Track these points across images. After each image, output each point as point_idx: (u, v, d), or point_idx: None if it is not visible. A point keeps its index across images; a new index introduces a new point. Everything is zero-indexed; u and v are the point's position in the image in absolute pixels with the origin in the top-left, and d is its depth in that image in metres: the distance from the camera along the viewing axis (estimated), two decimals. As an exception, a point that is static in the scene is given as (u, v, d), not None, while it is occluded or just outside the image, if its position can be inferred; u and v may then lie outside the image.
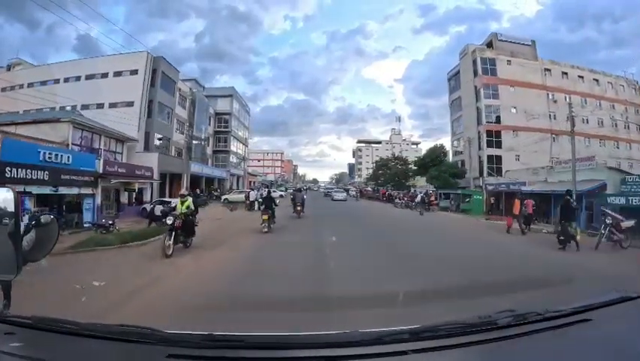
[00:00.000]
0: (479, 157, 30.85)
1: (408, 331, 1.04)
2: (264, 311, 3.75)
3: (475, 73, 33.48)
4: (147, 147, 25.32)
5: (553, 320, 1.15)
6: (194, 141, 33.39)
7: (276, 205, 12.87)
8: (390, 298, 4.27)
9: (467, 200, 25.02)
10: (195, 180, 31.26)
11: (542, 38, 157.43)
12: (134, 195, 22.27)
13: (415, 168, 32.17)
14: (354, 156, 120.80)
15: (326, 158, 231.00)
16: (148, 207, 19.47)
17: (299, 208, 16.28)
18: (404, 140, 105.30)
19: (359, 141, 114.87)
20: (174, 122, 29.78)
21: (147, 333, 1.02)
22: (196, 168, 29.49)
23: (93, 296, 4.64)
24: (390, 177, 40.53)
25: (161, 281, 5.82)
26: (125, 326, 1.06)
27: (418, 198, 22.18)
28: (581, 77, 40.04)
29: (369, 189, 48.50)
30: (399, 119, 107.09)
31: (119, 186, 20.43)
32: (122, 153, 23.21)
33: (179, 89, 30.88)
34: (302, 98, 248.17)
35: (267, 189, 17.83)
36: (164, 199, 19.45)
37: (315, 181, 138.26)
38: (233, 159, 42.25)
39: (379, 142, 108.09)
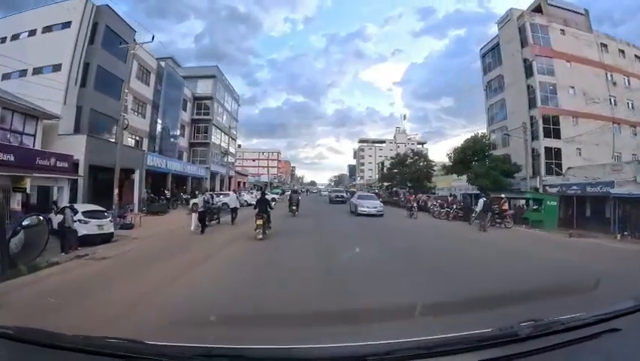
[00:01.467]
0: (533, 150, 23.39)
1: (421, 344, 0.95)
2: (264, 325, 3.19)
3: (524, 42, 26.11)
4: (78, 128, 17.71)
5: (578, 329, 1.06)
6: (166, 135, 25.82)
7: (271, 208, 11.08)
8: (405, 310, 3.44)
9: (534, 207, 17.52)
10: (158, 178, 23.66)
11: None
12: (52, 199, 14.69)
13: (450, 164, 24.41)
14: (355, 157, 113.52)
15: (324, 160, 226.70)
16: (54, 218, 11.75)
17: (294, 208, 17.72)
18: (409, 139, 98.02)
19: (361, 141, 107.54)
20: (129, 99, 22.14)
21: (136, 347, 0.92)
22: (156, 161, 21.83)
23: None
24: (408, 176, 32.74)
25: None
26: (112, 339, 0.96)
27: (479, 206, 14.37)
28: (638, 57, 32.91)
29: (377, 191, 40.82)
30: (404, 117, 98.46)
31: (9, 184, 12.81)
32: (34, 135, 15.66)
33: (138, 58, 23.31)
34: (301, 100, 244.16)
35: (260, 191, 15.73)
36: (74, 205, 11.81)
37: (313, 183, 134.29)
38: (215, 155, 34.58)
39: (383, 141, 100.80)
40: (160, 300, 4.56)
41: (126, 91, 17.12)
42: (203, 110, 32.81)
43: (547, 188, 22.36)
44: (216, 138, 33.86)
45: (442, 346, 0.95)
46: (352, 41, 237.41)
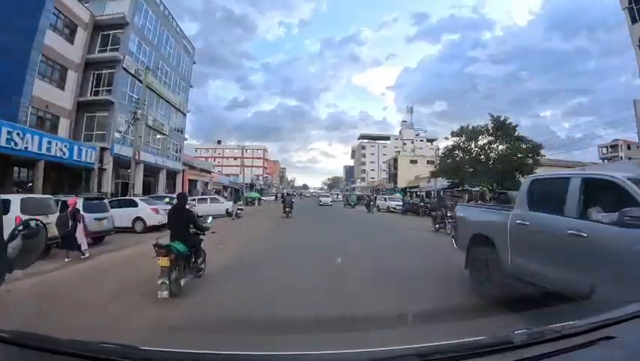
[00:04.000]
0: None
1: (416, 351, 0.94)
2: (257, 331, 3.01)
3: None
4: None
5: (573, 336, 1.04)
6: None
7: (202, 231, 5.10)
8: (397, 318, 3.41)
9: None
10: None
11: (536, 47, 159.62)
12: None
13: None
14: (353, 157, 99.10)
15: (317, 164, 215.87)
16: None
17: (287, 210, 17.32)
18: (417, 135, 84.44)
19: (362, 137, 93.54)
20: None
21: (130, 352, 0.93)
22: None
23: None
24: (498, 166, 17.45)
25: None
26: (106, 344, 0.96)
27: None
28: None
29: (415, 196, 26.18)
30: (411, 109, 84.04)
31: None
32: None
33: None
34: (294, 104, 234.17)
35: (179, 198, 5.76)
36: None
37: (305, 187, 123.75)
38: (144, 133, 19.72)
39: (387, 137, 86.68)
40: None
41: None
42: (109, 47, 18.01)
43: None
44: (127, 95, 18.81)
45: (436, 353, 0.94)
46: (347, 45, 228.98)
